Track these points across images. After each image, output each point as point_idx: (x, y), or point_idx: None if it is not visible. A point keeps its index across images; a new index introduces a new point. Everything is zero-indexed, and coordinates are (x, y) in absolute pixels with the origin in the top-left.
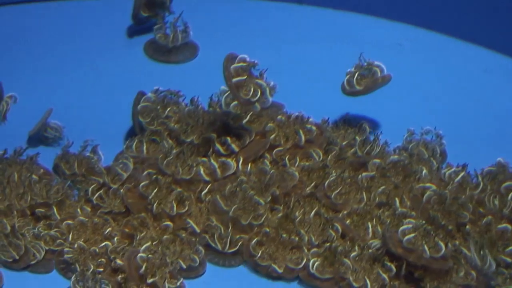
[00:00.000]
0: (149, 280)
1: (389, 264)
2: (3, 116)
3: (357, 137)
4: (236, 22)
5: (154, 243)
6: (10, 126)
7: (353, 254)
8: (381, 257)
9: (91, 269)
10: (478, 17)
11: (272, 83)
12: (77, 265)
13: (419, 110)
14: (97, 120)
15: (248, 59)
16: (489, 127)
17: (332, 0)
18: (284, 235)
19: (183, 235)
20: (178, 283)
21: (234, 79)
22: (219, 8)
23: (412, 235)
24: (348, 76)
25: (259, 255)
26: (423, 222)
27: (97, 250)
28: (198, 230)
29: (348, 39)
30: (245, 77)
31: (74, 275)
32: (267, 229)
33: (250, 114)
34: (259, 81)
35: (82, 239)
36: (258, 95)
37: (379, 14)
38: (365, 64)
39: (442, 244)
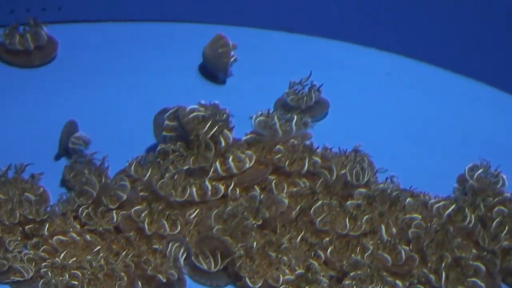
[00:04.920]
0: None
1: None
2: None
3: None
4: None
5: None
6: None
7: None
8: None
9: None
10: (466, 49)
11: (306, 119)
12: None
13: (406, 138)
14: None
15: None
16: (476, 157)
17: (321, 29)
18: (272, 254)
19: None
20: None
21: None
22: None
23: None
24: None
25: (239, 265)
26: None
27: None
28: (193, 251)
29: (337, 67)
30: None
31: None
32: (254, 244)
33: (249, 137)
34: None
35: (73, 257)
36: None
37: (368, 43)
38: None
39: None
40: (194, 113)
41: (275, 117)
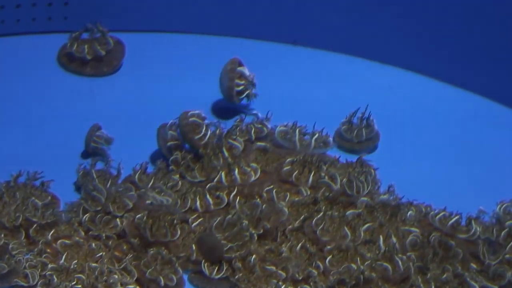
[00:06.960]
0: None
1: None
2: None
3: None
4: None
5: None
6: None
7: None
8: None
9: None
10: (469, 63)
11: (327, 138)
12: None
13: (407, 152)
14: None
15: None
16: (477, 172)
17: (325, 42)
18: (270, 267)
19: (164, 252)
20: None
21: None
22: None
23: None
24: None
25: (238, 276)
26: None
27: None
28: (194, 257)
29: (340, 80)
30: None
31: None
32: (253, 256)
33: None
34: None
35: (75, 262)
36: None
37: (372, 57)
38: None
39: None
40: (193, 118)
41: (297, 130)
